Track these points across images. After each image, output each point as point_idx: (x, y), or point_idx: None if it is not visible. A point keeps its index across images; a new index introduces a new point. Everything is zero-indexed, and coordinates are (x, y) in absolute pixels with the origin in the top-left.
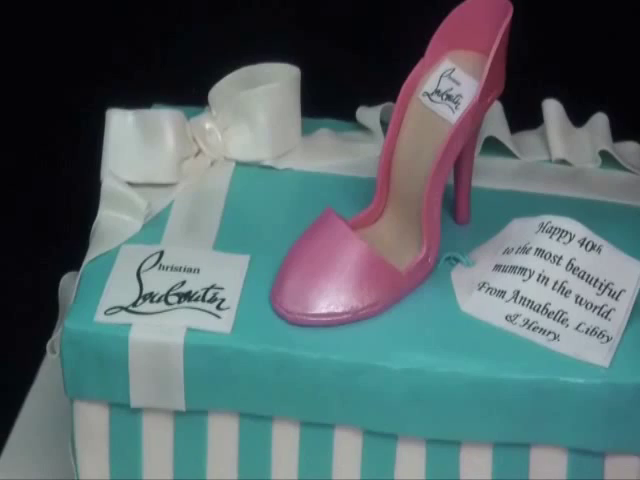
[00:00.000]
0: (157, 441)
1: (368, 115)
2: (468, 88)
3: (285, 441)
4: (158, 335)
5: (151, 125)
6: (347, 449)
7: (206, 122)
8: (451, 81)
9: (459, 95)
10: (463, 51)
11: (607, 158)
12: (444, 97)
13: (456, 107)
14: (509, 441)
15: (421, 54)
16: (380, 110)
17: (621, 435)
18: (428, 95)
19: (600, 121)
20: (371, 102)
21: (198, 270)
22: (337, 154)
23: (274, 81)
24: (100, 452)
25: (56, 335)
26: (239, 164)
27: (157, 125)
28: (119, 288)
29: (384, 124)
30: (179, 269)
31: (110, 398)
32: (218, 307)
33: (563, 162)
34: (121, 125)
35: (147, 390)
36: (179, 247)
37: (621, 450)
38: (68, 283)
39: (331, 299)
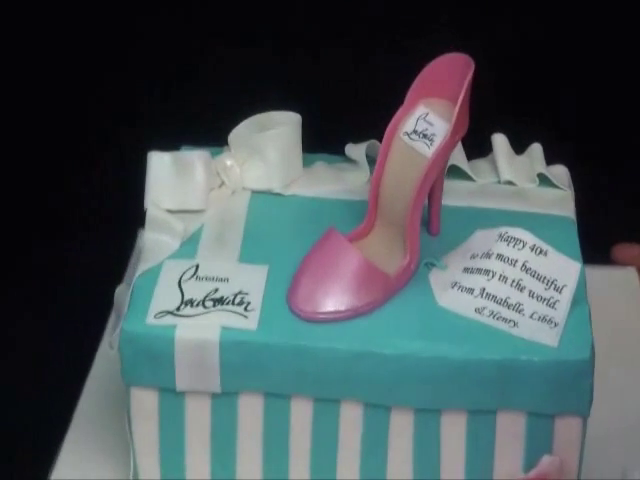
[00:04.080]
0: (197, 418)
1: (355, 150)
2: (440, 129)
3: (301, 414)
4: (198, 333)
5: (184, 163)
6: (351, 419)
7: (227, 159)
8: (426, 123)
9: (433, 134)
10: (435, 99)
11: (543, 179)
12: (421, 136)
13: (431, 144)
14: (480, 408)
15: (401, 102)
16: (365, 146)
17: (567, 401)
18: (408, 134)
19: (536, 150)
20: (356, 140)
21: (227, 279)
22: (332, 182)
23: (281, 125)
24: (151, 428)
25: (115, 334)
26: (254, 192)
27: (188, 163)
28: (164, 296)
29: (368, 157)
30: (212, 279)
31: (159, 384)
32: (245, 309)
33: (509, 183)
34: (160, 164)
35: (189, 377)
36: (211, 261)
37: (567, 412)
38: (121, 293)
39: (336, 299)
